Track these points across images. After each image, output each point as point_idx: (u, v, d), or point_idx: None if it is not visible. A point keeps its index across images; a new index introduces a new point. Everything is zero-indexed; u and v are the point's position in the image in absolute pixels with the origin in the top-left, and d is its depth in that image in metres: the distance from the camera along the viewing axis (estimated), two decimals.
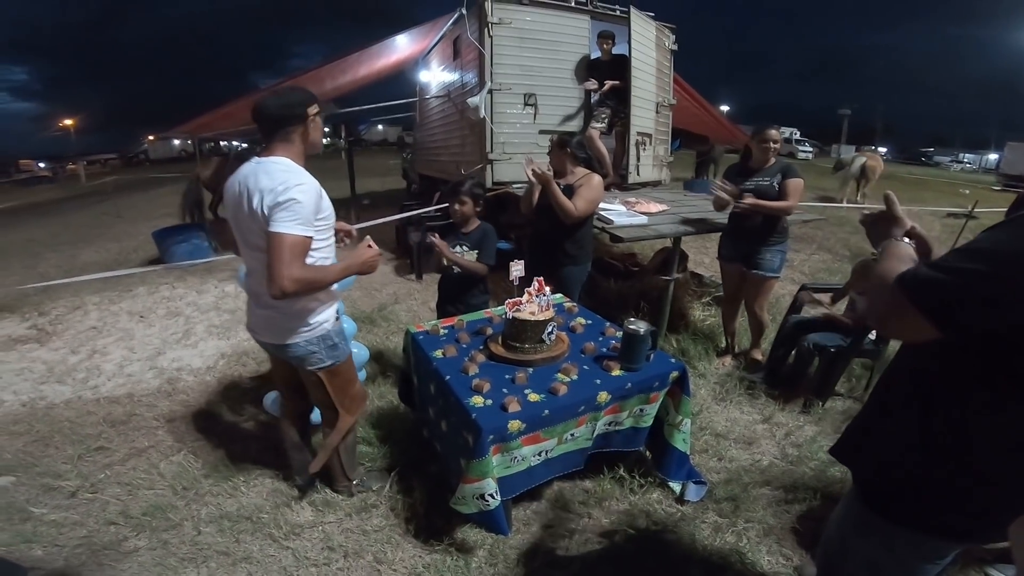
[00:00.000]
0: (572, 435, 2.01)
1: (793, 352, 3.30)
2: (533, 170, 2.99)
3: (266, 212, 1.70)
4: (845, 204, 9.92)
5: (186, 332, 4.40)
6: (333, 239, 2.02)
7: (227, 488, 2.39)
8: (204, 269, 6.10)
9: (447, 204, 2.92)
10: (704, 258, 6.42)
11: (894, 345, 2.80)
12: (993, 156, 31.74)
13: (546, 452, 1.97)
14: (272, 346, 2.01)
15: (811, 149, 32.51)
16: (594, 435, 2.10)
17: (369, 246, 1.97)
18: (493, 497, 1.81)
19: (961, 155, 41.00)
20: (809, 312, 3.47)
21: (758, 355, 3.61)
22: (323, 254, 1.91)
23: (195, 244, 6.52)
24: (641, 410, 2.20)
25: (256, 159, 1.83)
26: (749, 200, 3.10)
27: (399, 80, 8.76)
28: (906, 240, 1.15)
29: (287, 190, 1.68)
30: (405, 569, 1.97)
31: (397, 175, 12.69)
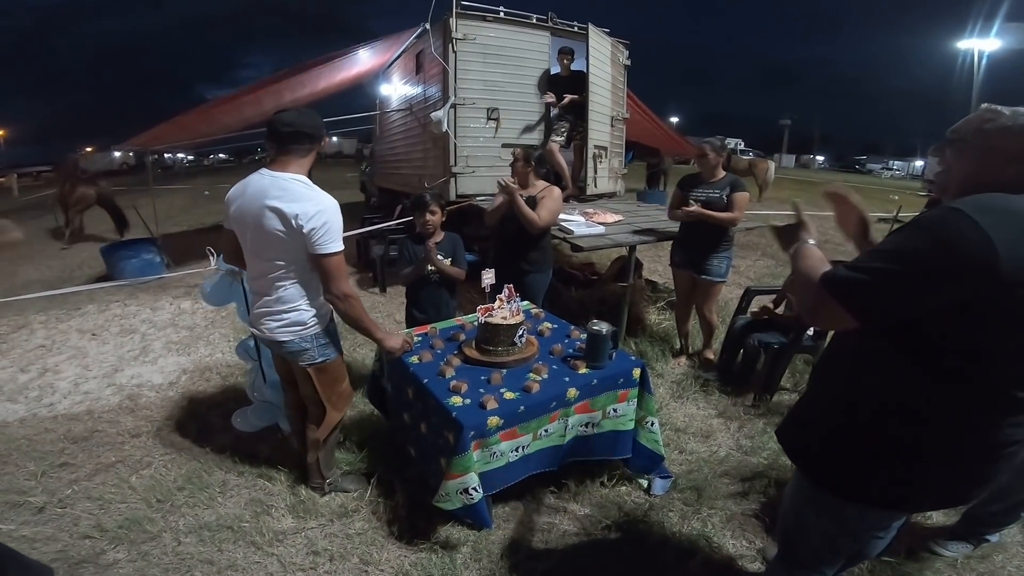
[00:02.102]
0: (546, 431, 2.14)
1: (741, 351, 3.55)
2: (501, 183, 3.13)
3: (305, 234, 1.89)
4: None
5: (143, 349, 4.30)
6: None
7: (203, 499, 2.39)
8: (157, 286, 5.94)
9: (414, 217, 3.01)
10: (657, 266, 6.71)
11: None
12: (919, 163, 34.09)
13: (522, 448, 2.08)
14: (269, 341, 2.16)
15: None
16: (567, 432, 2.21)
17: (407, 341, 2.33)
18: (476, 491, 1.92)
19: (891, 162, 43.73)
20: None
21: (710, 355, 3.85)
22: None
23: (146, 260, 6.31)
24: (615, 410, 2.32)
25: (269, 173, 1.95)
26: (695, 208, 3.34)
27: (357, 92, 8.77)
28: (812, 242, 1.32)
29: (320, 212, 1.89)
30: (392, 569, 2.04)
31: (355, 188, 12.59)
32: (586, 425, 2.28)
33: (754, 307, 3.76)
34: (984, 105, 1.16)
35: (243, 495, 2.44)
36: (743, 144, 35.18)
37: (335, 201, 1.98)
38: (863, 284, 1.06)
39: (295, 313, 2.06)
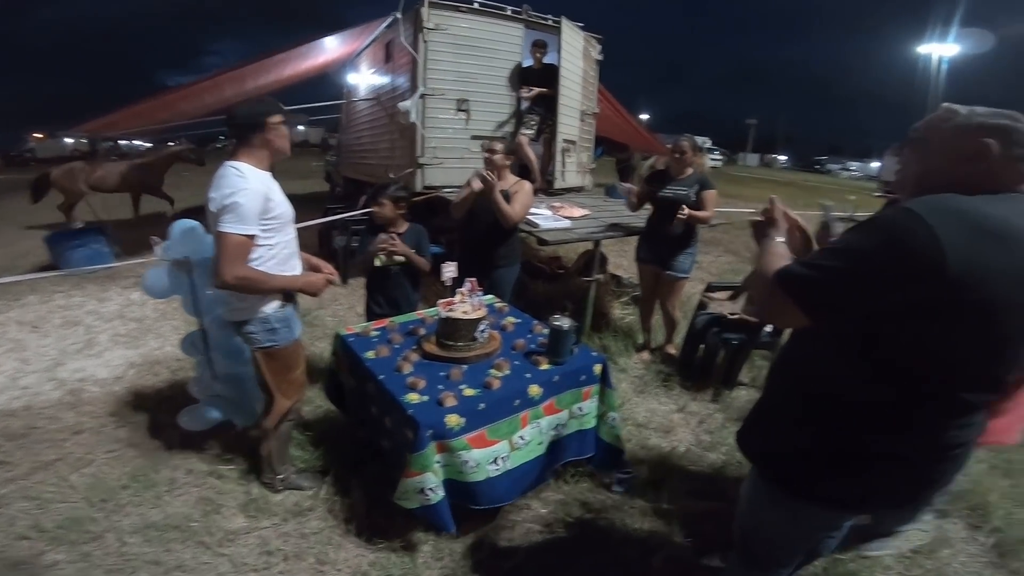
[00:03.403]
0: (522, 438, 2.08)
1: (702, 346, 3.61)
2: (481, 176, 3.08)
3: (216, 214, 1.87)
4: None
5: (88, 342, 4.09)
6: (293, 238, 2.13)
7: (149, 498, 2.30)
8: (105, 276, 5.65)
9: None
10: (623, 260, 6.75)
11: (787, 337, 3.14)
12: (876, 164, 35.21)
13: (502, 459, 2.02)
14: (227, 323, 2.18)
15: (720, 157, 34.97)
16: (545, 441, 2.18)
17: (328, 279, 2.24)
18: (433, 491, 1.86)
19: (849, 163, 45.10)
20: (714, 310, 3.80)
21: (672, 349, 3.91)
22: (277, 251, 2.04)
23: (94, 249, 5.99)
24: (580, 408, 2.30)
25: (225, 161, 1.97)
26: (687, 212, 3.29)
27: (324, 81, 8.54)
28: (780, 239, 1.33)
29: (232, 194, 1.84)
30: (349, 569, 1.99)
31: (319, 177, 12.30)
32: (555, 428, 2.25)
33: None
34: (944, 104, 1.16)
35: (192, 493, 2.35)
36: (710, 142, 35.84)
37: (261, 186, 1.92)
38: (814, 281, 1.07)
39: (242, 295, 2.02)
